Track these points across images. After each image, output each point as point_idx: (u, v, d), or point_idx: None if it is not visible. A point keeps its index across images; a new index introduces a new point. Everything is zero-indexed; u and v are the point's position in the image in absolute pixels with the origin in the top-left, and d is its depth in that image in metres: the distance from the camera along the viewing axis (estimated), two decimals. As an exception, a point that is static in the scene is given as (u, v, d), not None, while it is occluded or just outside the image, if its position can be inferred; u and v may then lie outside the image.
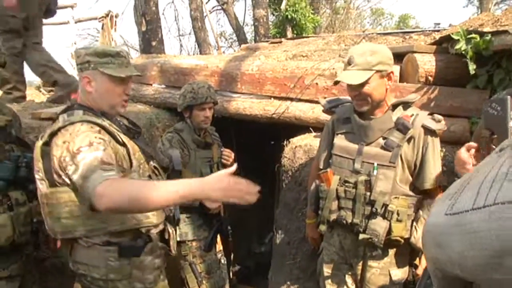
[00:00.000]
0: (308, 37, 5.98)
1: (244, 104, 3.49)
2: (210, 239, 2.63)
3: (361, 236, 1.91)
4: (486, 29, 2.53)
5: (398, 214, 1.87)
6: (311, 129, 3.13)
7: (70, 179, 1.54)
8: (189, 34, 14.00)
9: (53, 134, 1.62)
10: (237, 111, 3.51)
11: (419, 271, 2.00)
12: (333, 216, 2.00)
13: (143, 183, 1.59)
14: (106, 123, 1.70)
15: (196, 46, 10.78)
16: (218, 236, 2.80)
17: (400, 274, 2.01)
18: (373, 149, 1.93)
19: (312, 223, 2.29)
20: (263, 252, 4.71)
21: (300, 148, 2.85)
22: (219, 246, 2.97)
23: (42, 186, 1.66)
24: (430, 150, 1.89)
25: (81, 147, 1.53)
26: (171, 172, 2.03)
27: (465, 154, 1.54)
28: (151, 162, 1.86)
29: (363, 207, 1.92)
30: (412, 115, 1.91)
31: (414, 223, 1.91)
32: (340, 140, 2.05)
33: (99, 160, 1.50)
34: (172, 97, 3.93)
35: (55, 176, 1.62)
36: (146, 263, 1.75)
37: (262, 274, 3.44)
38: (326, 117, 3.05)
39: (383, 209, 1.88)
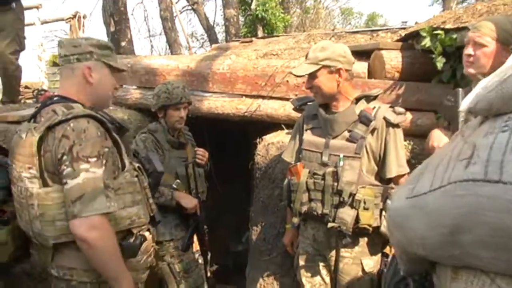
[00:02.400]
0: (279, 36, 6.03)
1: (216, 103, 3.49)
2: (187, 239, 2.63)
3: (330, 224, 1.98)
4: (448, 26, 2.62)
5: (365, 202, 1.95)
6: (283, 126, 3.16)
7: (61, 180, 1.49)
8: (160, 34, 13.88)
9: (51, 128, 1.52)
10: (209, 110, 3.52)
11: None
12: (304, 208, 2.06)
13: (119, 254, 1.57)
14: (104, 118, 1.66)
15: (167, 46, 10.70)
16: (195, 236, 2.80)
17: (372, 263, 2.07)
18: (339, 141, 2.02)
19: (290, 228, 2.35)
20: (241, 251, 4.71)
21: (273, 145, 2.88)
22: (196, 246, 2.97)
23: (32, 185, 1.54)
24: (392, 141, 2.00)
25: (90, 158, 1.48)
26: (152, 174, 2.01)
27: (439, 132, 1.66)
28: (135, 162, 1.85)
29: (331, 198, 1.99)
30: (374, 107, 2.02)
31: (383, 212, 1.98)
32: (308, 135, 2.14)
33: (103, 181, 1.49)
34: (144, 97, 3.89)
35: (45, 173, 1.54)
36: (141, 262, 1.73)
37: (240, 273, 3.45)
38: (298, 114, 3.11)
39: (350, 198, 1.96)
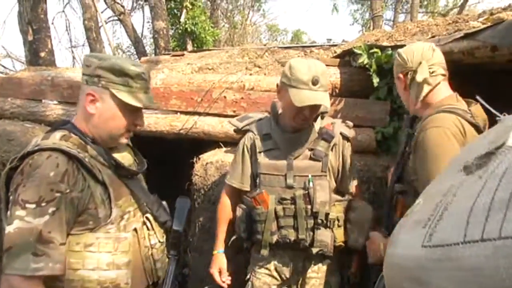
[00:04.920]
0: (211, 50, 5.91)
1: (148, 119, 3.26)
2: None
3: (314, 250, 1.88)
4: (384, 44, 2.66)
5: (338, 220, 1.90)
6: (221, 144, 3.02)
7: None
8: (83, 45, 13.11)
9: (23, 158, 1.29)
10: (143, 128, 3.27)
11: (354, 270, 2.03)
12: (275, 238, 1.92)
13: None
14: (87, 155, 1.35)
15: (90, 58, 10.08)
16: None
17: (339, 279, 2.03)
18: (302, 161, 1.91)
19: (219, 254, 2.14)
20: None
21: (212, 164, 2.72)
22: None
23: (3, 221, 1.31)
24: (348, 155, 1.99)
25: (28, 203, 1.22)
26: (172, 231, 1.67)
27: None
28: (144, 212, 1.52)
29: (305, 221, 1.88)
30: (332, 123, 1.98)
31: (348, 225, 1.93)
32: (264, 158, 1.96)
33: (36, 234, 1.20)
34: (66, 113, 3.55)
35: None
36: None
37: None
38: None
39: (325, 219, 1.88)
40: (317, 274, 1.98)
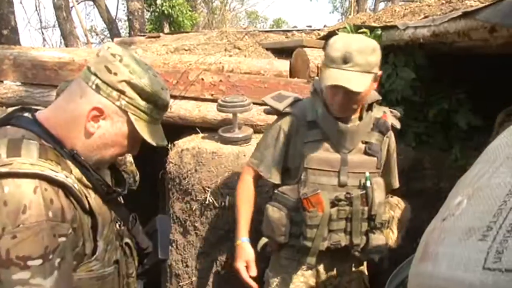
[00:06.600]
0: (188, 32, 5.68)
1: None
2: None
3: (366, 256, 1.74)
4: (373, 24, 2.51)
5: (389, 222, 1.74)
6: (197, 129, 2.83)
7: None
8: (53, 26, 12.58)
9: None
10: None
11: None
12: (326, 244, 1.69)
13: None
14: (71, 178, 0.98)
15: (62, 39, 9.66)
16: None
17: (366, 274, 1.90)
18: (357, 156, 1.68)
19: (243, 243, 1.76)
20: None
21: (188, 151, 2.52)
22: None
23: None
24: (394, 148, 1.82)
25: (30, 260, 0.86)
26: (149, 256, 1.35)
27: None
28: (124, 236, 1.21)
29: (360, 225, 1.67)
30: (385, 113, 1.75)
31: (393, 225, 1.78)
32: (314, 151, 1.66)
33: None
34: (31, 96, 3.29)
35: None
36: None
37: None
38: (215, 116, 2.79)
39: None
40: (355, 275, 1.82)
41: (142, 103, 1.04)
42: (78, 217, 0.99)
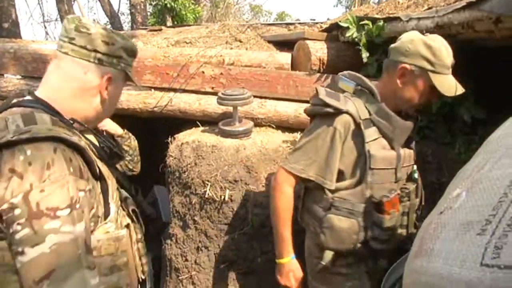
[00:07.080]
0: (190, 25, 5.64)
1: (120, 96, 3.01)
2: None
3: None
4: (376, 16, 2.47)
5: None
6: (198, 123, 2.81)
7: (11, 242, 0.93)
8: (56, 20, 12.54)
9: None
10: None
11: None
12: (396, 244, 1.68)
13: None
14: (83, 140, 1.11)
15: (64, 34, 9.60)
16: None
17: None
18: (405, 150, 1.68)
19: (292, 261, 1.71)
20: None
21: (188, 145, 2.50)
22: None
23: None
24: None
25: (58, 210, 0.94)
26: (154, 222, 1.49)
27: None
28: (129, 204, 1.29)
29: (413, 218, 1.70)
30: None
31: None
32: (377, 150, 1.60)
33: (83, 244, 0.96)
34: (32, 89, 3.28)
35: None
36: None
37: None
38: (215, 109, 2.76)
39: None
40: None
41: (129, 59, 1.26)
42: (91, 179, 1.08)
